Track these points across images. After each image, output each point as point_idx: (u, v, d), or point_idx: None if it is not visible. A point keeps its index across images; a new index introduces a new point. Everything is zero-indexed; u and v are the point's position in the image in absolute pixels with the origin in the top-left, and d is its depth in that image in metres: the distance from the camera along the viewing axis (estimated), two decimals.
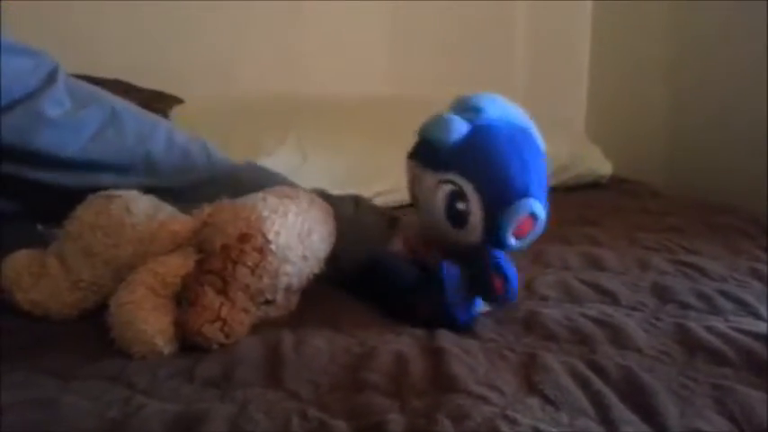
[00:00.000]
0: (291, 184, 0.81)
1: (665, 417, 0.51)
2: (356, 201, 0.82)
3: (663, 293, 0.77)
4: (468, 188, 0.67)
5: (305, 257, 0.66)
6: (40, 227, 0.76)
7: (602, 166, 1.47)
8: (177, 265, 0.64)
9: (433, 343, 0.62)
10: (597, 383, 0.55)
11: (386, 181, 1.16)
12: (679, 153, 1.54)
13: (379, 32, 1.64)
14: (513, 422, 0.49)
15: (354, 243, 0.74)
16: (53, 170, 0.73)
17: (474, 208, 0.67)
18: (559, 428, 0.49)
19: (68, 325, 0.67)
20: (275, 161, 1.05)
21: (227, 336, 0.61)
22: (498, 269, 0.67)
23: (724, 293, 0.76)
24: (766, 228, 1.06)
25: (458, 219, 0.68)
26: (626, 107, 1.69)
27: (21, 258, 0.70)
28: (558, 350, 0.62)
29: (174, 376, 0.57)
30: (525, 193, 0.67)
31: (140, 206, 0.68)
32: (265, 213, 0.64)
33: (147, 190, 0.72)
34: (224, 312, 0.61)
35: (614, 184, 1.47)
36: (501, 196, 0.67)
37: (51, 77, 0.72)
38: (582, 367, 0.58)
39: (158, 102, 1.28)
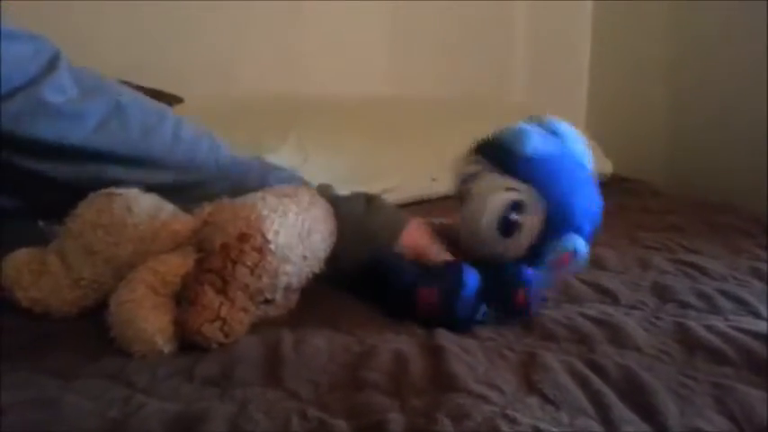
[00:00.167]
0: (301, 179, 0.80)
1: (665, 416, 0.51)
2: (368, 198, 0.80)
3: (663, 293, 0.77)
4: (532, 204, 0.67)
5: (305, 257, 0.66)
6: (41, 223, 0.76)
7: (602, 165, 1.47)
8: (177, 264, 0.64)
9: (433, 342, 0.62)
10: (597, 383, 0.55)
11: (386, 180, 1.17)
12: (679, 152, 1.54)
13: (379, 32, 1.64)
14: (512, 421, 0.49)
15: (358, 243, 0.74)
16: (53, 160, 0.71)
17: (528, 224, 0.67)
18: (559, 428, 0.49)
19: (68, 323, 0.67)
20: (276, 161, 1.05)
21: (226, 335, 0.61)
22: (525, 284, 0.67)
23: (724, 293, 0.76)
24: (766, 227, 1.06)
25: (507, 228, 0.68)
26: (626, 106, 1.69)
27: (21, 256, 0.70)
28: (558, 349, 0.62)
29: (174, 375, 0.57)
30: (579, 230, 0.69)
31: (142, 205, 0.68)
32: (265, 213, 0.64)
33: (149, 186, 0.71)
34: (223, 312, 0.61)
35: (614, 183, 1.47)
36: (560, 224, 0.68)
37: (52, 64, 0.70)
38: (581, 366, 0.58)
39: (158, 101, 1.28)
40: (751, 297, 0.75)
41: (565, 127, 0.73)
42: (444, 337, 0.63)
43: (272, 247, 0.63)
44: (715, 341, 0.63)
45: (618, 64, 1.72)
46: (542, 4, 1.76)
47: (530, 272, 0.68)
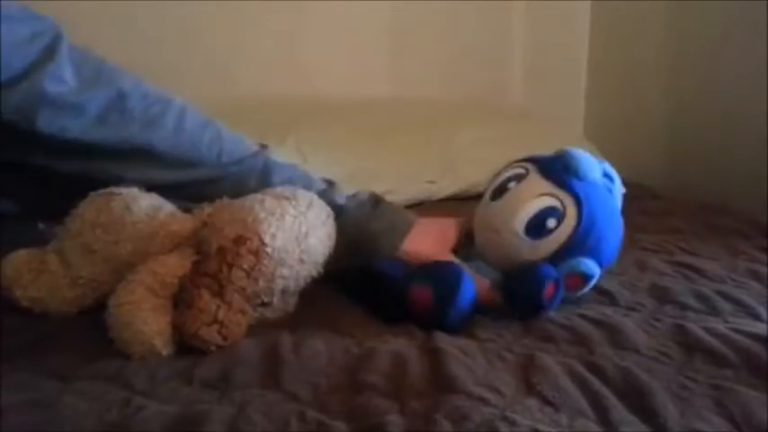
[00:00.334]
0: (306, 178, 0.79)
1: (664, 418, 0.51)
2: (374, 201, 0.78)
3: (661, 294, 0.77)
4: (573, 215, 0.68)
5: (302, 260, 0.66)
6: (41, 225, 0.76)
7: None
8: (176, 266, 0.64)
9: (432, 344, 0.62)
10: (596, 384, 0.55)
11: (383, 183, 1.16)
12: (678, 155, 1.54)
13: (379, 32, 1.64)
14: (512, 423, 0.49)
15: (358, 248, 0.73)
16: (51, 155, 0.69)
17: (557, 234, 0.68)
18: (559, 429, 0.49)
19: (67, 324, 0.67)
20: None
21: (224, 338, 0.61)
22: (555, 278, 0.68)
23: (723, 294, 0.76)
24: (765, 229, 1.06)
25: (536, 231, 0.68)
26: (624, 109, 1.69)
27: (21, 256, 0.70)
28: (557, 351, 0.62)
29: (173, 377, 0.57)
30: (599, 260, 0.70)
31: (141, 204, 0.68)
32: (262, 215, 0.64)
33: (149, 185, 0.70)
34: (221, 315, 0.61)
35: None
36: (584, 245, 0.68)
37: (52, 48, 0.67)
38: (581, 368, 0.58)
39: None
40: (750, 299, 0.75)
41: (616, 176, 0.76)
42: (443, 340, 0.63)
43: (268, 250, 0.63)
44: (714, 343, 0.63)
45: (616, 66, 1.72)
46: (541, 5, 1.76)
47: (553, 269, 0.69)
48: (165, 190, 0.71)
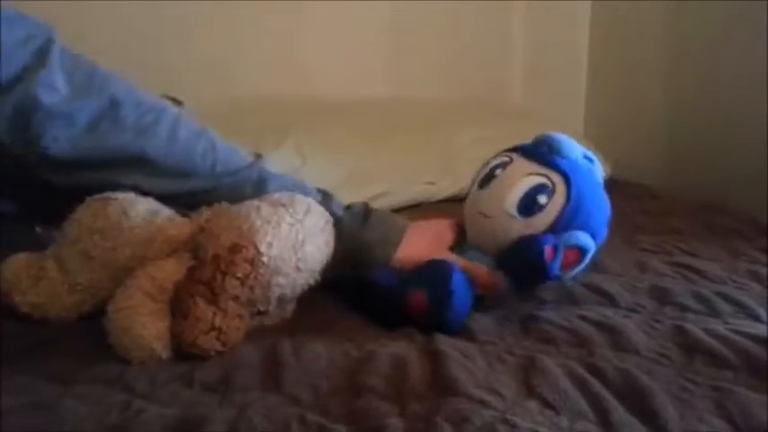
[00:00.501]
0: (302, 185, 0.78)
1: (664, 419, 0.51)
2: (366, 212, 0.78)
3: (661, 295, 0.77)
4: (562, 191, 0.69)
5: (298, 268, 0.66)
6: (38, 229, 0.75)
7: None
8: (174, 271, 0.64)
9: (432, 346, 0.62)
10: (596, 386, 0.55)
11: (382, 184, 1.16)
12: (678, 155, 1.53)
13: (378, 32, 1.63)
14: (512, 426, 0.49)
15: (352, 258, 0.73)
16: (47, 164, 0.68)
17: (549, 209, 0.69)
18: None
19: (67, 328, 0.67)
20: (274, 163, 1.05)
21: (223, 344, 0.61)
22: (551, 242, 0.68)
23: (723, 296, 0.76)
24: (765, 229, 1.06)
25: (530, 208, 0.69)
26: (624, 108, 1.69)
27: (19, 261, 0.70)
28: (557, 353, 0.62)
29: (174, 381, 0.57)
30: (592, 232, 0.71)
31: (138, 209, 0.67)
32: (258, 223, 0.63)
33: (143, 195, 0.70)
34: (218, 321, 0.60)
35: (613, 186, 1.46)
36: (577, 218, 0.69)
37: (44, 52, 0.66)
38: (581, 370, 0.58)
39: None
40: (750, 300, 0.75)
41: (596, 158, 0.77)
42: (443, 342, 0.63)
43: (264, 259, 0.62)
44: (714, 344, 0.63)
45: (616, 66, 1.72)
46: (541, 5, 1.76)
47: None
48: (159, 200, 0.71)
